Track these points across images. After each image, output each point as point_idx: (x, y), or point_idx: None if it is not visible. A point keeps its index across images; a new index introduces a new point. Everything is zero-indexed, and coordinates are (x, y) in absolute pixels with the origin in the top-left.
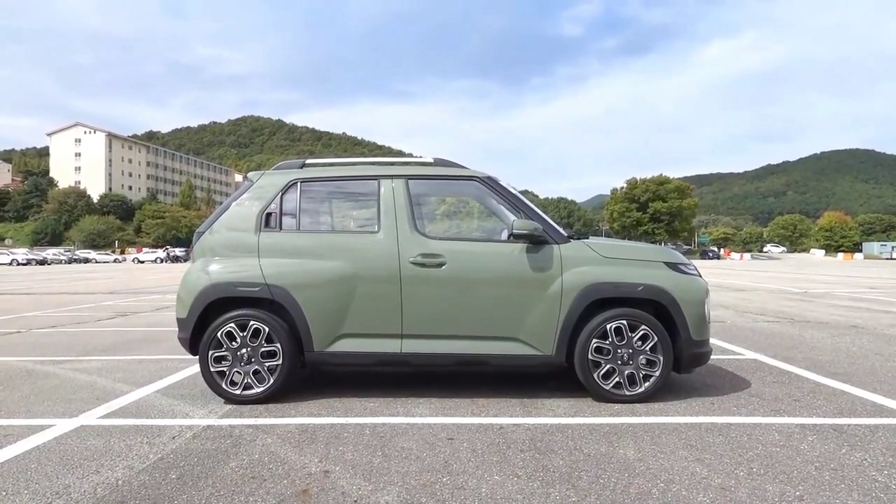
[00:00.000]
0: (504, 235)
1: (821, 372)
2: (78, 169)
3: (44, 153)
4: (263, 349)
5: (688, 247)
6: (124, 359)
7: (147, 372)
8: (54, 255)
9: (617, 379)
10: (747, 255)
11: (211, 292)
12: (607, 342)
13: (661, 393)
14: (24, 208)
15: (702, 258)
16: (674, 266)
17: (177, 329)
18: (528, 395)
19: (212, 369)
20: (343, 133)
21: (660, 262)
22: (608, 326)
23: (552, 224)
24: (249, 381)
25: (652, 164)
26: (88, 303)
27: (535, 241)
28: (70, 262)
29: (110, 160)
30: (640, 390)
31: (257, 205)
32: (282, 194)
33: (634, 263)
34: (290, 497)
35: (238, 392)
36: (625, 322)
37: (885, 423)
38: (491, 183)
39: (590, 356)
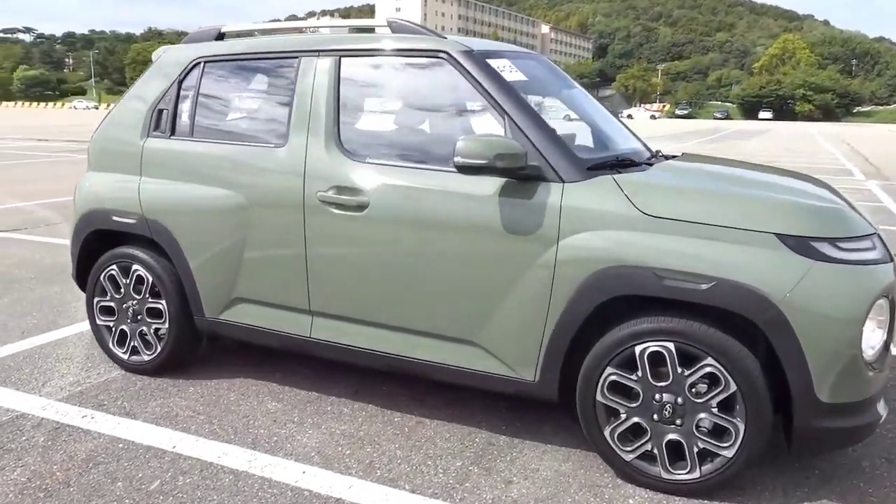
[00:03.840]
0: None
1: None
2: None
3: (370, 9)
4: (149, 305)
5: None
6: None
7: None
8: None
9: (648, 446)
10: None
11: (89, 220)
12: (634, 377)
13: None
14: None
15: None
16: (801, 243)
17: None
18: (508, 422)
19: (98, 321)
20: None
21: (768, 234)
22: (638, 349)
23: (555, 142)
24: (137, 344)
25: None
26: None
27: (514, 176)
28: None
29: (425, 14)
30: (691, 476)
31: (149, 96)
32: (179, 81)
33: (708, 231)
34: None
35: (125, 356)
36: (671, 346)
37: None
38: (467, 62)
39: (599, 396)
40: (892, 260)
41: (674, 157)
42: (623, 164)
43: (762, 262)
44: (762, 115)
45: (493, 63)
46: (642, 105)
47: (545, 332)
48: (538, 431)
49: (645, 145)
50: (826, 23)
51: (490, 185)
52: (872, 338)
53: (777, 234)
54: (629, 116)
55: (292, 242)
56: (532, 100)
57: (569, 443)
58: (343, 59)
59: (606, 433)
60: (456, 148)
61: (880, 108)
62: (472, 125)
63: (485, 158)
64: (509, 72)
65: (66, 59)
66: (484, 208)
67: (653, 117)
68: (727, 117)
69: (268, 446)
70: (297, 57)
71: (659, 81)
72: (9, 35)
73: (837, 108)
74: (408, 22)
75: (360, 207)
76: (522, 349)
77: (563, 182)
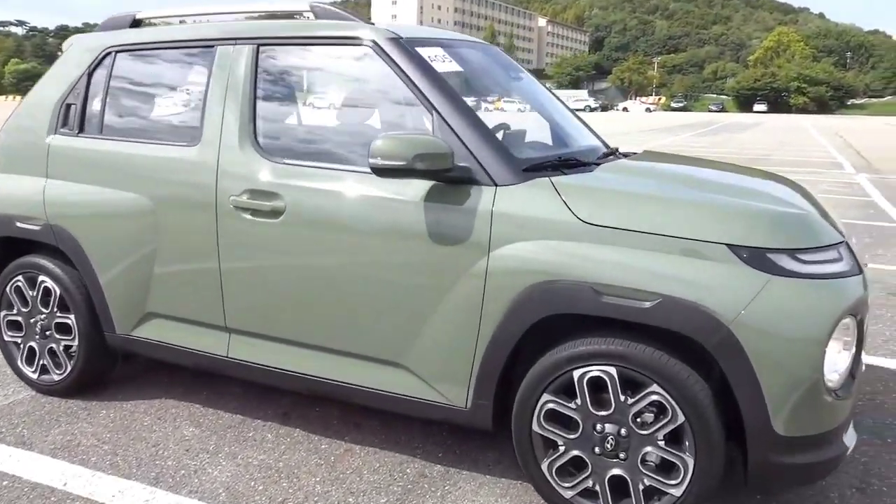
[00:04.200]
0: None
1: None
2: (394, 17)
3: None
4: (58, 319)
5: None
6: None
7: None
8: None
9: (589, 482)
10: None
11: None
12: (573, 405)
13: None
14: None
15: None
16: (756, 255)
17: None
18: (447, 448)
19: (5, 337)
20: None
21: (719, 245)
22: (576, 374)
23: (488, 140)
24: (46, 362)
25: None
26: None
27: (441, 178)
28: None
29: (421, 7)
30: None
31: (57, 89)
32: (89, 73)
33: (652, 241)
34: None
35: (34, 376)
36: (612, 371)
37: None
38: (393, 50)
39: (536, 426)
40: (861, 272)
41: (633, 154)
42: (567, 164)
43: (712, 276)
44: (757, 107)
45: (424, 52)
46: (638, 98)
47: (476, 353)
48: (478, 460)
49: (602, 142)
50: (821, 15)
51: (416, 188)
52: (836, 362)
53: (729, 245)
54: (624, 109)
55: (205, 252)
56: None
57: (509, 474)
58: (261, 47)
59: (544, 467)
60: (371, 148)
61: (874, 100)
62: (401, 121)
63: (402, 159)
64: (441, 62)
65: (59, 53)
66: (409, 215)
67: (648, 110)
68: (722, 110)
69: (172, 482)
70: (212, 46)
71: (655, 74)
72: (1, 28)
73: (832, 100)
74: (333, 7)
75: (276, 213)
76: (452, 372)
77: (496, 185)
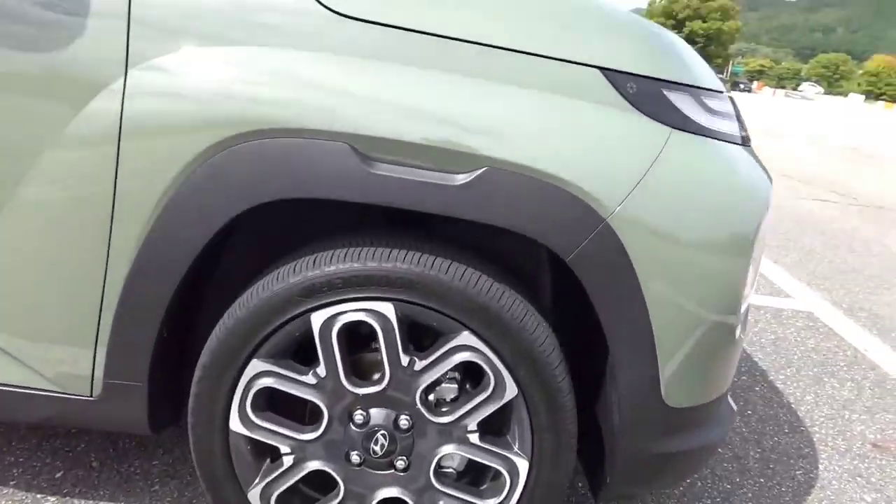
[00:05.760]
0: None
1: None
2: None
3: None
4: None
5: (719, 76)
6: None
7: None
8: None
9: None
10: (780, 92)
11: None
12: (310, 378)
13: None
14: None
15: (732, 90)
16: (648, 92)
17: None
18: (92, 449)
19: None
20: None
21: (589, 70)
22: (317, 319)
23: None
24: None
25: None
26: None
27: None
28: None
29: None
30: None
31: None
32: None
33: (468, 57)
34: None
35: None
36: (388, 310)
37: None
38: None
39: (237, 422)
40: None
41: None
42: None
43: (575, 127)
44: None
45: None
46: None
47: (106, 287)
48: (150, 472)
49: None
50: None
51: None
52: (739, 285)
53: (605, 70)
54: None
55: None
56: None
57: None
58: None
59: (254, 494)
60: None
61: None
62: None
63: None
64: None
65: None
66: None
67: None
68: None
69: None
70: None
71: None
72: None
73: None
74: None
75: None
76: (55, 330)
77: None
